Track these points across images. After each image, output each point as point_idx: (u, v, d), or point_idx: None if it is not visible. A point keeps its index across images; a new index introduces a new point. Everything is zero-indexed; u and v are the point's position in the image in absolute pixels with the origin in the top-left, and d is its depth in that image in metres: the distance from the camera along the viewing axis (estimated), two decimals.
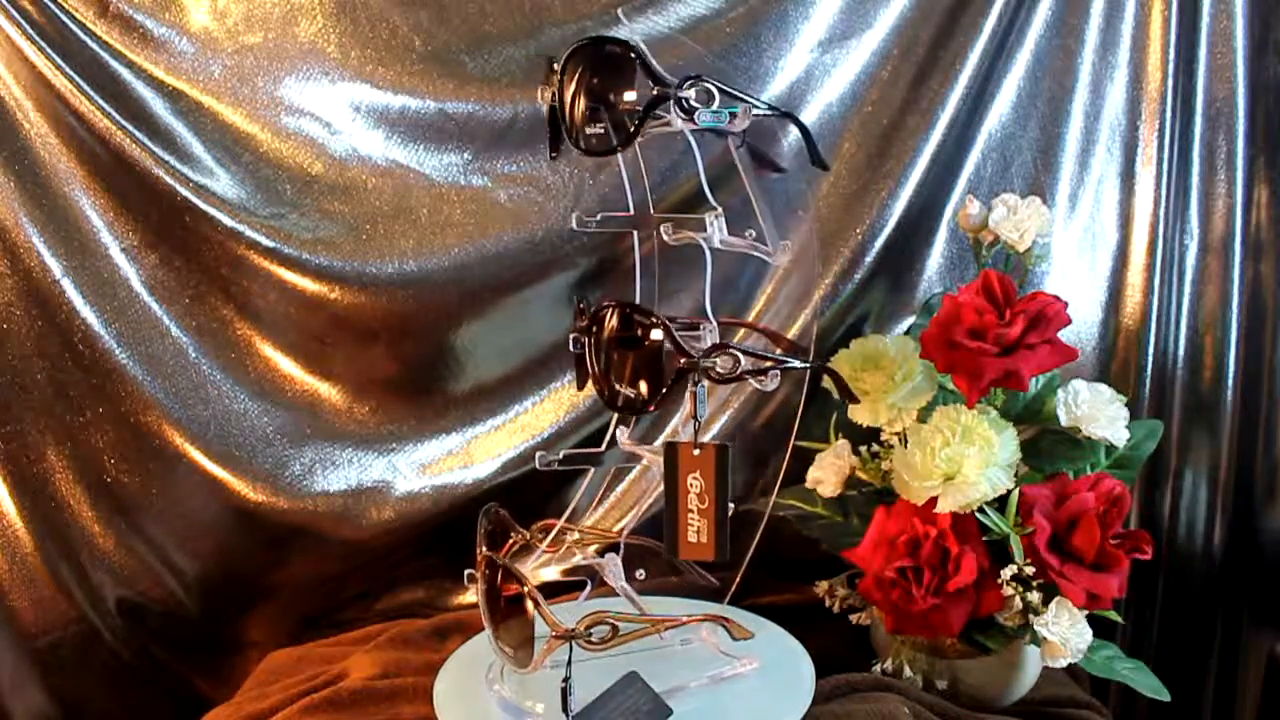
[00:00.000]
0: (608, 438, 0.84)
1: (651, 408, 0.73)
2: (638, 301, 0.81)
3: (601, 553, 0.81)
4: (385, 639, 0.93)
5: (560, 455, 0.82)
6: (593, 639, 0.70)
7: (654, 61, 0.70)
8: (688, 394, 0.71)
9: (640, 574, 0.78)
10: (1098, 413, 0.82)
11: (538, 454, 0.81)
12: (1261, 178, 1.04)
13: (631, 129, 0.71)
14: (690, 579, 0.83)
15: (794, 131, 1.00)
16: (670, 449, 0.72)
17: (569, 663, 0.70)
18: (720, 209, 0.73)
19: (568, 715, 0.69)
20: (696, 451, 0.71)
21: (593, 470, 0.95)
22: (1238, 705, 1.11)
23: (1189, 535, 1.08)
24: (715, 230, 0.73)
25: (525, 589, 0.72)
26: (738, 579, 0.78)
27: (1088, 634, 0.76)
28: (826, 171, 0.70)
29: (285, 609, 1.04)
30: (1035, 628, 0.76)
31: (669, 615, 0.76)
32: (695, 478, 0.72)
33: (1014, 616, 0.77)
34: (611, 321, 0.75)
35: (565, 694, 0.70)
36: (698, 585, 0.81)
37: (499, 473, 1.02)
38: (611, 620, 0.71)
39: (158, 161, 0.93)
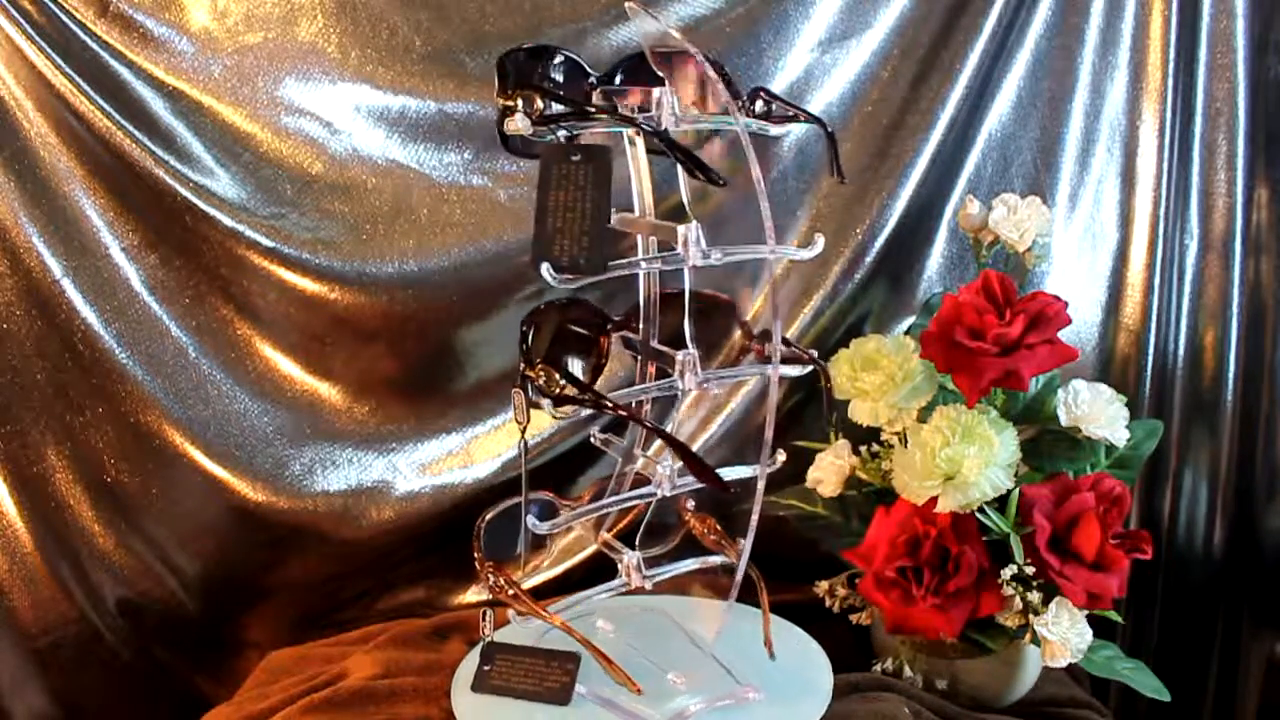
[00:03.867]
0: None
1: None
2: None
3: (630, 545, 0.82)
4: (385, 639, 0.93)
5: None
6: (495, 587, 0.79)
7: (507, 74, 0.70)
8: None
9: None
10: (1098, 413, 0.82)
11: (593, 432, 0.82)
12: (1261, 178, 1.04)
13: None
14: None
15: (793, 131, 1.00)
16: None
17: (490, 602, 0.79)
18: (695, 222, 0.70)
19: (483, 636, 0.79)
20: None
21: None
22: (1238, 705, 1.11)
23: (1189, 535, 1.08)
24: (693, 244, 0.71)
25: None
26: (738, 579, 0.78)
27: (1088, 634, 0.76)
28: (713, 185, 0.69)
29: (285, 609, 1.04)
30: (1035, 628, 0.76)
31: (573, 630, 0.77)
32: None
33: (1014, 616, 0.77)
34: None
35: (483, 615, 0.78)
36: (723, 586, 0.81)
37: (499, 472, 1.02)
38: (514, 587, 0.78)
39: (158, 161, 0.93)
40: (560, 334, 0.76)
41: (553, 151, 0.68)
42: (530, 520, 0.73)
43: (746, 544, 0.74)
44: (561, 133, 0.70)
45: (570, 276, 0.66)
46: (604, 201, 0.67)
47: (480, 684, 0.78)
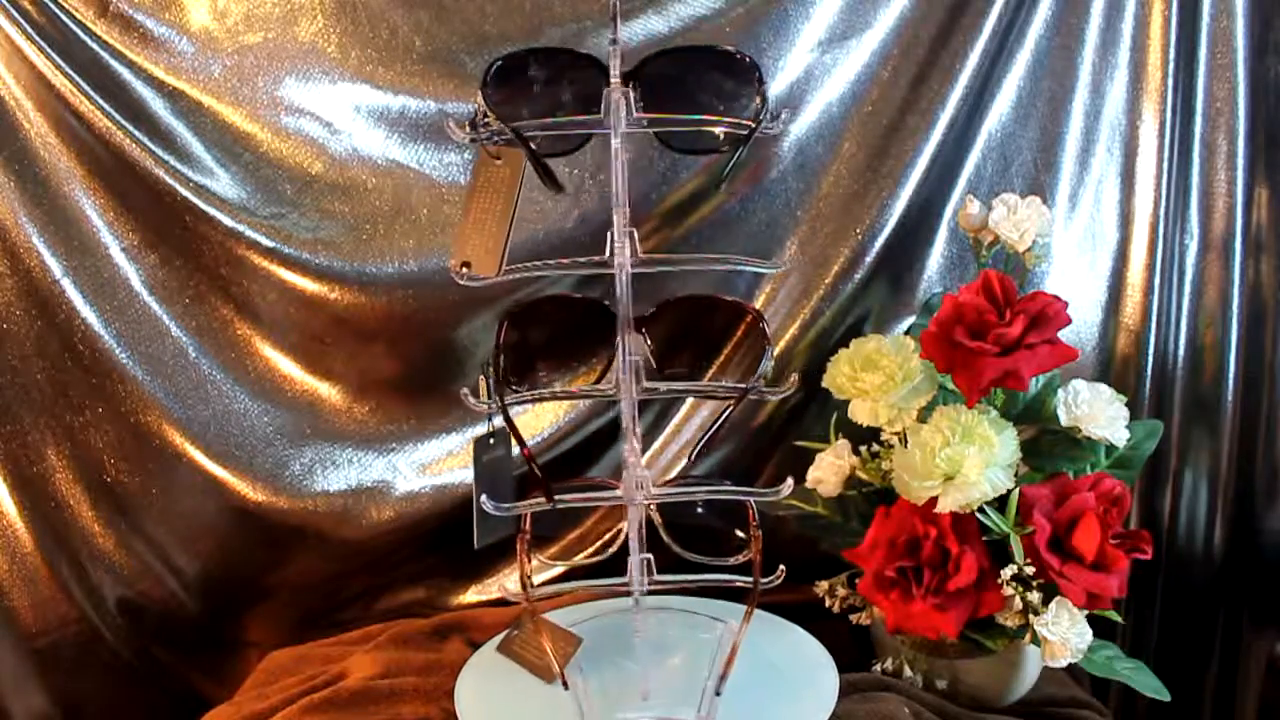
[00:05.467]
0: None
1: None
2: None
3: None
4: (385, 639, 0.93)
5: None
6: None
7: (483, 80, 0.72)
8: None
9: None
10: (1098, 413, 0.82)
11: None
12: (1261, 178, 1.04)
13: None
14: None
15: (794, 131, 1.00)
16: None
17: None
18: (634, 230, 0.73)
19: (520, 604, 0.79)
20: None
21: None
22: (1238, 705, 1.11)
23: (1189, 535, 1.08)
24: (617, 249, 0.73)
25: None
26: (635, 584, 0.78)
27: (1088, 634, 0.76)
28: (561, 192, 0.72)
29: (285, 609, 1.04)
30: (1035, 628, 0.76)
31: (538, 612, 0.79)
32: None
33: (1014, 616, 0.77)
34: None
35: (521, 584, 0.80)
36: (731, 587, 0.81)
37: None
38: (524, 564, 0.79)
39: (158, 161, 0.93)
40: (540, 331, 0.77)
41: (483, 156, 0.72)
42: (483, 499, 0.74)
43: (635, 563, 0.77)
44: (486, 136, 0.71)
45: (466, 274, 0.70)
46: (509, 206, 0.70)
47: (503, 645, 0.85)
